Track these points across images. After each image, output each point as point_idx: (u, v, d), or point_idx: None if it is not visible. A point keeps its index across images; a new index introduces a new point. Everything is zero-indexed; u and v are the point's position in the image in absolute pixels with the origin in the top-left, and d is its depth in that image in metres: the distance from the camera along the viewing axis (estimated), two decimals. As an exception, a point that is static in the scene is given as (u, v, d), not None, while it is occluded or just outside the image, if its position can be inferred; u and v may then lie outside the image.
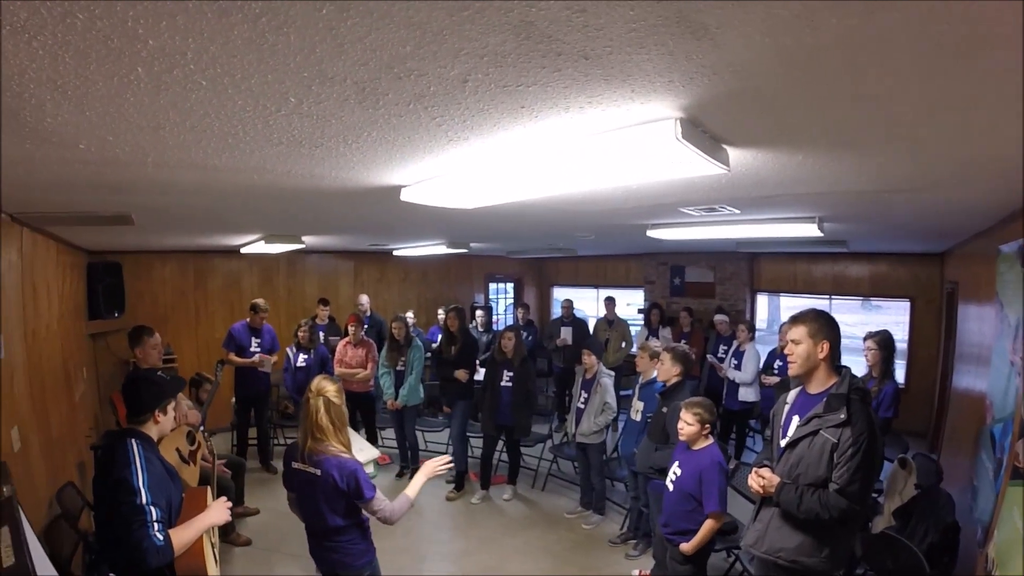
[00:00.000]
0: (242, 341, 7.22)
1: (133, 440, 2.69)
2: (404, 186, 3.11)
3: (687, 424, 3.69)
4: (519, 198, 3.26)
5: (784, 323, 6.94)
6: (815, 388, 2.95)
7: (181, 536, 2.62)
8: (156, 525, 2.48)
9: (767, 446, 3.31)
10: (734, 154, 2.32)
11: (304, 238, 6.90)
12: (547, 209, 4.35)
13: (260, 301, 7.37)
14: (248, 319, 7.35)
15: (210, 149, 2.27)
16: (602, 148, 2.05)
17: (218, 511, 2.94)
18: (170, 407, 2.93)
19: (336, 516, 3.05)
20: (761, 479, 2.94)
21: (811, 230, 4.63)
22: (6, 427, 3.33)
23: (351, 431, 3.33)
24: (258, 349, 7.25)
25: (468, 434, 7.03)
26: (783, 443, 2.98)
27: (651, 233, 5.45)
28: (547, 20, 1.18)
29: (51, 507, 3.93)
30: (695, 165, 2.14)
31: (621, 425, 6.20)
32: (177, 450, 4.00)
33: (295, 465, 3.13)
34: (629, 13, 1.14)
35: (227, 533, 5.44)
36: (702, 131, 1.99)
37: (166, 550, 2.49)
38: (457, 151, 2.33)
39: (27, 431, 3.76)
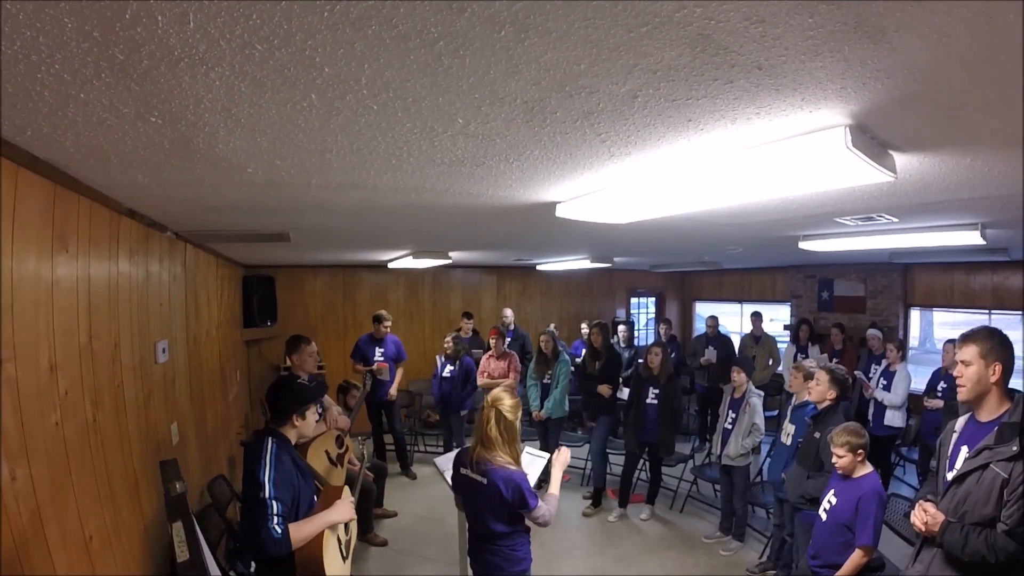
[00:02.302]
0: (365, 351, 7.56)
1: (270, 439, 2.86)
2: (559, 202, 3.17)
3: (839, 457, 3.47)
4: (674, 212, 3.24)
5: (947, 341, 6.54)
6: (986, 416, 2.66)
7: (301, 530, 2.73)
8: (276, 519, 2.61)
9: (931, 478, 3.05)
10: (900, 159, 2.21)
11: (451, 254, 7.14)
12: (699, 223, 4.29)
13: (382, 312, 7.66)
14: (372, 331, 7.68)
15: (372, 170, 2.39)
16: (766, 159, 2.01)
17: (341, 509, 3.04)
18: (309, 412, 3.07)
19: (499, 523, 3.14)
20: (925, 514, 2.68)
21: (973, 238, 4.30)
22: (168, 423, 3.66)
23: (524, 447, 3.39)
24: (381, 359, 7.54)
25: (608, 450, 6.98)
26: (950, 476, 2.70)
27: (803, 244, 5.24)
28: (725, 32, 1.19)
29: (202, 496, 4.29)
30: (862, 173, 2.05)
31: (765, 448, 5.98)
32: (326, 452, 4.23)
33: (463, 471, 3.26)
34: (808, 20, 1.14)
35: (365, 532, 5.65)
36: (870, 137, 1.92)
37: (283, 542, 2.60)
38: (617, 166, 2.35)
39: (185, 427, 4.11)
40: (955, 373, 2.77)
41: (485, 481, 3.11)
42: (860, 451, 3.44)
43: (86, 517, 2.22)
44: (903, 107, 1.66)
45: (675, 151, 2.10)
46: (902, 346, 7.01)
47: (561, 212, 3.24)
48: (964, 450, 2.69)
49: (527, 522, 3.22)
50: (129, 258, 3.03)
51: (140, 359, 3.13)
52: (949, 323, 10.46)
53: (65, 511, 2.08)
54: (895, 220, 3.96)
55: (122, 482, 2.69)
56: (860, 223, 4.13)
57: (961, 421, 2.84)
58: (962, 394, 2.72)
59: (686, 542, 5.96)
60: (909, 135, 1.97)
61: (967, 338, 2.71)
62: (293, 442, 3.04)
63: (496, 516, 3.13)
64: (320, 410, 4.55)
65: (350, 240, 5.41)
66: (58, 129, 1.72)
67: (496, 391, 3.27)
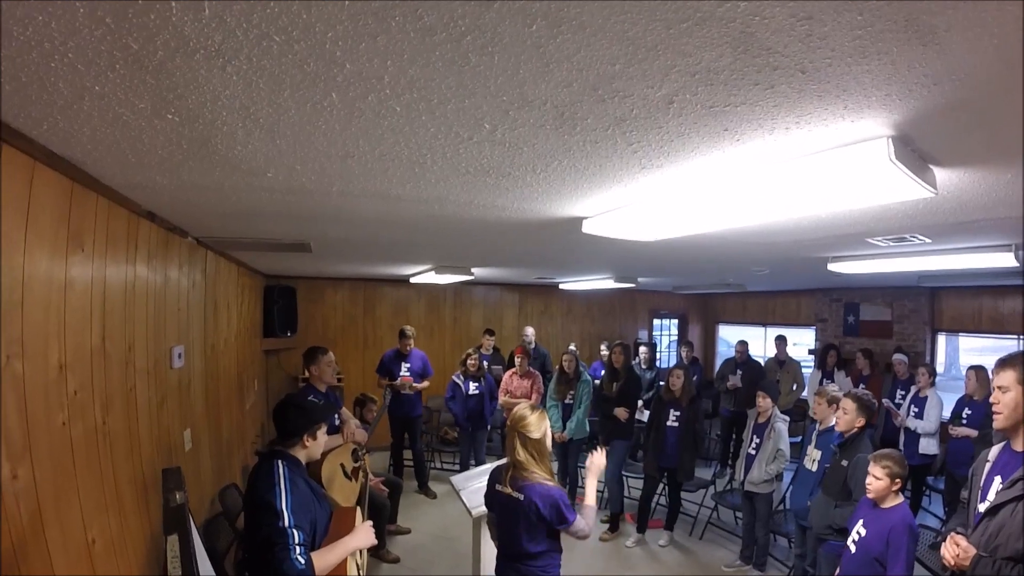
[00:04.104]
0: (391, 366, 7.50)
1: (280, 461, 2.69)
2: (586, 218, 3.10)
3: (875, 479, 3.34)
4: (704, 230, 3.15)
5: (970, 367, 6.35)
6: (1022, 445, 2.54)
7: (324, 559, 2.60)
8: (298, 548, 2.46)
9: (961, 510, 2.93)
10: (940, 175, 2.12)
11: (474, 270, 7.09)
12: (726, 242, 4.20)
13: (407, 328, 7.61)
14: (398, 346, 7.62)
15: (395, 179, 2.32)
16: (802, 173, 1.94)
17: (363, 535, 2.91)
18: (320, 432, 2.91)
19: (532, 542, 3.05)
20: (956, 547, 2.53)
21: (1006, 259, 4.16)
22: (181, 429, 3.60)
23: None
24: (407, 373, 7.47)
25: (624, 474, 6.86)
26: (982, 508, 2.57)
27: (832, 267, 5.12)
28: (769, 30, 1.12)
29: (213, 504, 4.24)
30: (902, 188, 1.96)
31: (788, 476, 5.82)
32: (342, 465, 4.17)
33: (498, 487, 3.18)
34: (856, 18, 1.07)
35: (377, 549, 5.56)
36: (911, 150, 1.83)
37: (307, 573, 2.45)
38: (647, 179, 2.28)
39: (199, 433, 4.07)
40: (992, 400, 2.64)
41: (522, 497, 3.02)
42: (898, 480, 3.32)
43: (90, 521, 2.16)
44: (947, 117, 1.58)
45: (709, 163, 2.03)
46: (932, 371, 6.82)
47: (588, 228, 3.17)
48: (997, 481, 2.58)
49: (563, 537, 3.14)
50: (147, 261, 3.00)
51: (155, 363, 3.09)
52: (975, 349, 10.28)
53: (68, 514, 2.01)
54: (928, 241, 3.84)
55: (130, 488, 2.63)
56: (892, 244, 4.02)
57: (995, 450, 2.73)
58: (998, 422, 2.60)
59: (705, 570, 5.81)
60: (951, 148, 1.89)
61: (1004, 363, 2.59)
62: (303, 463, 2.90)
63: (531, 534, 3.04)
64: (337, 422, 4.52)
65: (371, 253, 5.36)
66: (74, 123, 1.68)
67: (518, 411, 3.17)
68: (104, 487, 2.35)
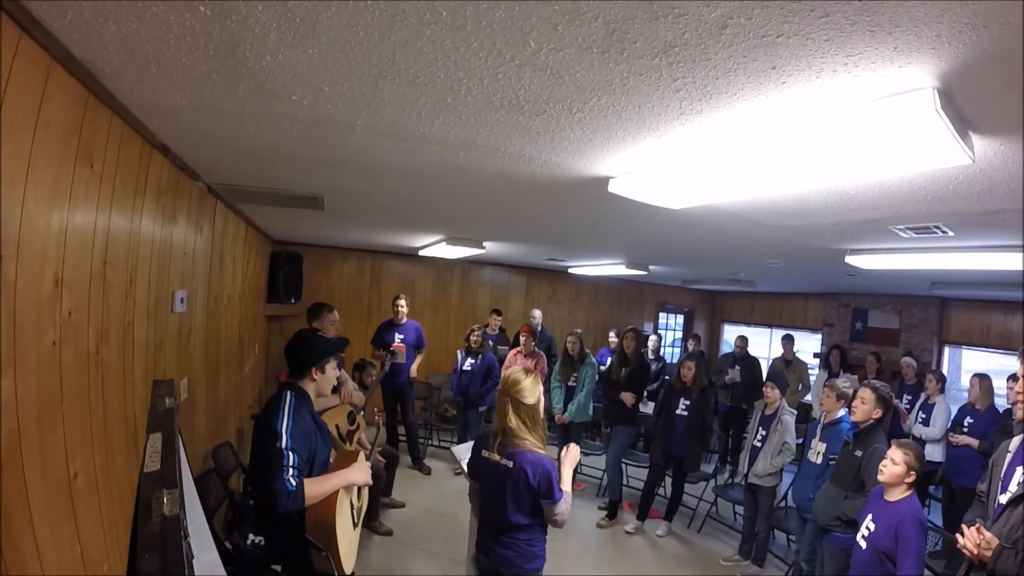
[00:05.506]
0: (384, 336, 7.43)
1: (289, 392, 2.80)
2: (612, 177, 2.99)
3: (893, 463, 3.27)
4: (733, 197, 3.08)
5: (974, 375, 6.25)
6: None
7: (318, 486, 2.65)
8: (291, 470, 2.53)
9: (979, 503, 2.89)
10: (976, 144, 2.07)
11: (485, 244, 7.00)
12: (747, 223, 4.12)
13: (399, 297, 7.54)
14: (391, 316, 7.57)
15: (425, 111, 2.22)
16: (844, 126, 1.86)
17: (360, 471, 2.94)
18: (329, 366, 2.99)
19: (519, 513, 2.92)
20: (979, 536, 2.49)
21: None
22: (178, 378, 3.49)
23: None
24: (400, 343, 7.40)
25: (624, 462, 6.80)
26: (1003, 499, 2.56)
27: (850, 259, 5.05)
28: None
29: (206, 460, 4.14)
30: (944, 149, 1.92)
31: (787, 478, 5.72)
32: (336, 427, 4.09)
33: (485, 453, 3.05)
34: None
35: (370, 520, 5.55)
36: (954, 109, 1.77)
37: (296, 495, 2.51)
38: (684, 129, 2.19)
39: (196, 386, 3.97)
40: (1017, 389, 2.65)
41: (511, 465, 2.89)
42: (913, 473, 3.25)
43: (73, 453, 2.03)
44: (990, 72, 1.53)
45: (750, 111, 1.94)
46: (941, 378, 6.76)
47: (614, 187, 3.05)
48: (1019, 471, 2.57)
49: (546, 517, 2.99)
50: (156, 198, 2.89)
51: (156, 302, 2.99)
52: (978, 369, 10.23)
53: (51, 440, 1.88)
54: (950, 234, 3.78)
55: (120, 425, 2.50)
56: (914, 236, 3.94)
57: (1016, 441, 2.72)
58: (1019, 412, 2.63)
59: (703, 563, 5.75)
60: (990, 110, 1.82)
61: None
62: (312, 397, 2.96)
63: (518, 505, 2.91)
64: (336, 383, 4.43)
65: (386, 213, 5.20)
66: (100, 15, 1.57)
67: (510, 374, 3.03)
68: (92, 419, 2.21)
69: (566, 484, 3.03)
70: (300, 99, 2.17)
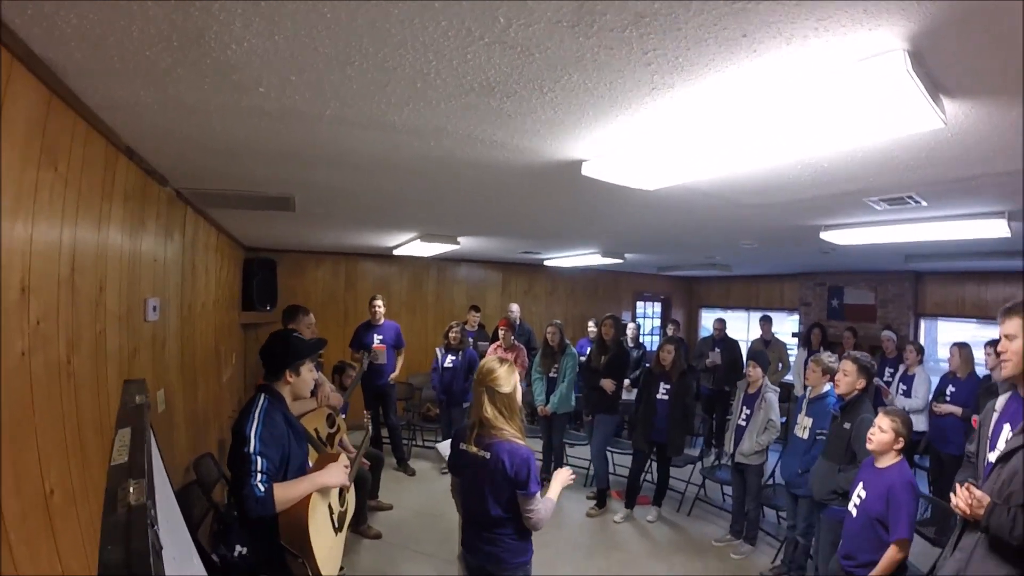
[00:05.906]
0: (363, 338, 7.41)
1: (263, 395, 2.75)
2: (585, 160, 2.97)
3: (880, 430, 3.32)
4: (706, 175, 3.07)
5: (953, 344, 6.33)
6: None
7: (288, 491, 2.56)
8: (259, 475, 2.45)
9: (968, 464, 2.91)
10: (948, 107, 2.07)
11: (460, 239, 6.96)
12: (722, 203, 4.13)
13: (375, 298, 7.55)
14: (370, 317, 7.55)
15: (394, 98, 2.18)
16: (816, 94, 1.86)
17: (334, 473, 2.86)
18: (304, 368, 2.93)
19: (498, 506, 2.87)
20: (970, 495, 2.49)
21: (999, 228, 4.19)
22: (154, 389, 3.38)
23: None
24: (380, 343, 7.38)
25: (609, 450, 6.81)
26: (992, 457, 2.57)
27: (824, 235, 5.08)
28: None
29: (187, 473, 4.06)
30: (916, 112, 1.91)
31: (772, 456, 5.80)
32: (316, 430, 4.00)
33: (463, 447, 2.99)
34: None
35: (358, 524, 5.50)
36: (925, 72, 1.77)
37: (266, 501, 2.43)
38: (655, 105, 2.17)
39: (173, 397, 3.88)
40: (999, 348, 2.64)
41: (488, 456, 2.84)
42: (901, 439, 3.31)
43: (48, 465, 1.95)
44: (960, 33, 1.54)
45: (722, 82, 1.93)
46: (920, 349, 6.85)
47: (587, 171, 3.03)
48: (1007, 429, 2.58)
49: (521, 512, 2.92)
50: (123, 203, 2.82)
51: (128, 310, 2.92)
52: (954, 337, 10.41)
53: (24, 453, 1.81)
54: (924, 204, 3.82)
55: (96, 437, 2.43)
56: (888, 207, 3.98)
57: (1002, 400, 2.73)
58: (1007, 369, 2.59)
59: (695, 546, 5.77)
60: (961, 73, 1.82)
61: (1011, 311, 2.58)
62: (288, 400, 2.89)
63: (497, 497, 2.86)
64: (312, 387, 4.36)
65: (358, 211, 5.13)
66: (61, 9, 1.53)
67: (484, 363, 2.98)
68: (66, 430, 2.14)
69: (553, 493, 3.03)
70: (267, 90, 2.13)
